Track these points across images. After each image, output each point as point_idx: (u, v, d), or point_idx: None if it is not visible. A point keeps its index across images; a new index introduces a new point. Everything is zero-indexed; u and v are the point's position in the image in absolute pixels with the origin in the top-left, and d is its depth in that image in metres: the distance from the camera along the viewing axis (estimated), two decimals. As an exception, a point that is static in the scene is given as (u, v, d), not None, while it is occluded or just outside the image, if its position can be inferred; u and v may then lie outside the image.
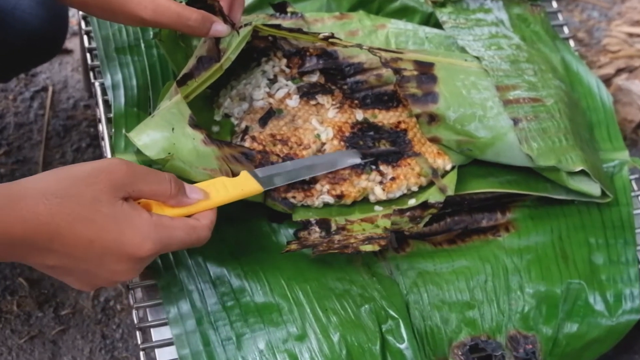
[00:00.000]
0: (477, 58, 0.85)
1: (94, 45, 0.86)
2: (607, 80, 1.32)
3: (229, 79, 0.85)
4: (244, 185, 0.71)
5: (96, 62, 0.85)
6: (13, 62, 0.98)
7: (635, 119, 1.29)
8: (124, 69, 0.84)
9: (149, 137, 0.70)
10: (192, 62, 0.76)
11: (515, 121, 0.81)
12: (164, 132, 0.72)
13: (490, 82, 0.83)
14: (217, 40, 0.76)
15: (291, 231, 0.80)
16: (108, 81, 0.83)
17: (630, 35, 1.40)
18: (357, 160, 0.79)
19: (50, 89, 1.18)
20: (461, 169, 0.84)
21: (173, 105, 0.73)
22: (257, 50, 0.85)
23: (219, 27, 0.73)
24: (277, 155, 0.78)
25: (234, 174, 0.73)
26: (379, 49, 0.81)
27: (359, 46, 0.80)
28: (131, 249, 0.60)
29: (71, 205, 0.57)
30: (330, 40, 0.80)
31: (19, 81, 1.18)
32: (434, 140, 0.82)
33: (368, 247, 0.75)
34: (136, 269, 0.62)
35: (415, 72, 0.81)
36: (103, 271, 0.61)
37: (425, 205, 0.79)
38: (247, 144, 0.78)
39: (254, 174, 0.72)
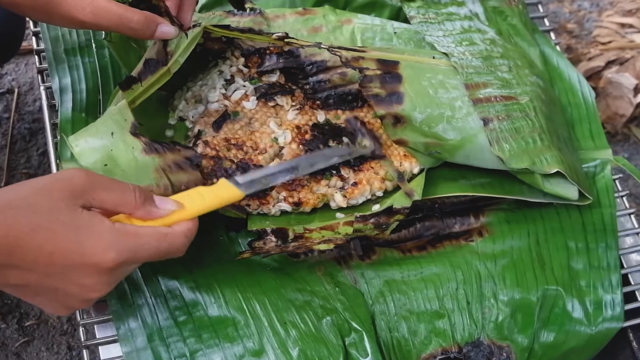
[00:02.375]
0: (446, 55, 0.80)
1: (43, 46, 0.81)
2: (597, 73, 1.28)
3: (185, 80, 0.81)
4: (222, 192, 0.66)
5: (45, 65, 0.81)
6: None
7: (627, 113, 1.25)
8: (73, 71, 0.80)
9: (87, 143, 0.66)
10: (140, 65, 0.72)
11: (486, 121, 0.76)
12: (103, 139, 0.67)
13: (460, 80, 0.78)
14: (165, 42, 0.72)
15: (250, 240, 0.76)
16: (56, 84, 0.79)
17: (622, 25, 1.36)
18: (342, 158, 0.75)
19: (16, 90, 1.14)
20: (431, 172, 0.80)
21: (116, 111, 0.69)
22: (212, 53, 0.80)
23: (165, 29, 0.68)
24: (231, 161, 0.74)
25: (174, 188, 0.68)
26: (340, 47, 0.77)
27: (318, 45, 0.76)
28: (94, 259, 0.56)
29: (28, 215, 0.54)
30: (286, 40, 0.75)
31: (-17, 84, 1.15)
32: (400, 142, 0.78)
33: (323, 246, 0.71)
34: (106, 282, 0.58)
35: (379, 71, 0.76)
36: (71, 287, 0.57)
37: (390, 211, 0.74)
38: (199, 149, 0.74)
39: (233, 182, 0.67)
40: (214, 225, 0.77)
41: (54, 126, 0.78)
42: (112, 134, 0.67)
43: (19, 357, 0.98)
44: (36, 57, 0.82)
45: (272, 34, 0.75)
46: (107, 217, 0.58)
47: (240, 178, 0.67)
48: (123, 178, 0.65)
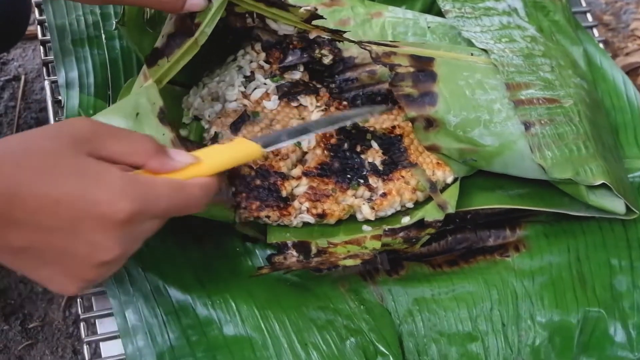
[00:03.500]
0: (485, 51, 0.74)
1: (49, 37, 0.76)
2: (635, 70, 1.21)
3: (201, 76, 0.75)
4: (241, 147, 0.59)
5: (50, 57, 0.75)
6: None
7: (666, 113, 1.18)
8: (80, 64, 0.74)
9: (108, 122, 0.59)
10: (160, 41, 0.66)
11: (527, 125, 0.70)
12: (127, 120, 0.61)
13: (500, 80, 0.72)
14: (193, 15, 0.65)
15: (269, 252, 0.70)
16: (62, 78, 0.73)
17: (662, 18, 1.28)
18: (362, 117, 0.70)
19: (23, 78, 1.09)
20: (464, 181, 0.74)
21: (144, 91, 0.63)
22: (234, 32, 0.73)
23: (195, 1, 0.63)
24: (250, 167, 0.68)
25: None
26: (370, 42, 0.71)
27: (346, 38, 0.69)
28: (104, 208, 0.48)
29: (30, 161, 0.48)
30: (314, 22, 0.69)
31: (-12, 70, 1.09)
32: (432, 148, 0.72)
33: (348, 262, 0.66)
34: (118, 239, 0.50)
35: (412, 69, 0.70)
36: (80, 245, 0.49)
37: (421, 224, 0.69)
38: (216, 153, 0.68)
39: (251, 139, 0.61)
40: (229, 235, 0.71)
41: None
42: (137, 114, 0.61)
43: (22, 360, 0.94)
44: (41, 47, 0.76)
45: (300, 7, 0.69)
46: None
47: (258, 139, 0.61)
48: None
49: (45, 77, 0.74)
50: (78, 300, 0.68)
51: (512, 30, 0.79)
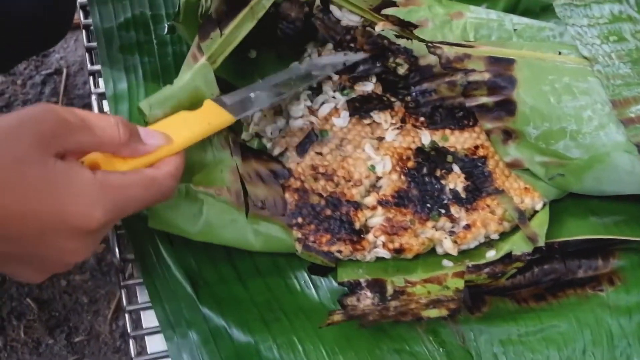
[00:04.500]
0: (587, 59, 0.65)
1: (95, 43, 0.69)
2: None
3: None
4: (210, 116, 0.57)
5: (97, 67, 0.68)
6: (12, 47, 0.81)
7: None
8: (130, 74, 0.67)
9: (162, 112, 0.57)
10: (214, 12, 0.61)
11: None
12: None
13: (594, 84, 0.64)
14: None
15: (337, 286, 0.63)
16: (110, 91, 0.66)
17: None
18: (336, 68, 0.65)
19: (65, 71, 1.03)
20: (554, 205, 0.66)
21: (201, 76, 0.58)
22: (288, 20, 0.67)
23: None
24: (319, 195, 0.61)
25: (248, 199, 0.59)
26: (442, 42, 0.63)
27: (410, 29, 0.62)
28: (77, 221, 0.47)
29: None
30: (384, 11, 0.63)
31: (29, 63, 1.03)
32: (515, 165, 0.64)
33: (433, 312, 0.59)
34: (89, 244, 0.49)
35: (487, 74, 0.63)
36: (49, 251, 0.48)
37: (508, 258, 0.62)
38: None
39: (220, 102, 0.58)
40: (293, 266, 0.65)
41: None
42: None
43: (67, 375, 0.89)
44: (87, 55, 0.69)
45: None
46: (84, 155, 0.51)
47: (227, 98, 0.58)
48: (189, 168, 0.57)
49: (92, 90, 0.67)
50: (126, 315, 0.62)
51: (622, 23, 0.70)
